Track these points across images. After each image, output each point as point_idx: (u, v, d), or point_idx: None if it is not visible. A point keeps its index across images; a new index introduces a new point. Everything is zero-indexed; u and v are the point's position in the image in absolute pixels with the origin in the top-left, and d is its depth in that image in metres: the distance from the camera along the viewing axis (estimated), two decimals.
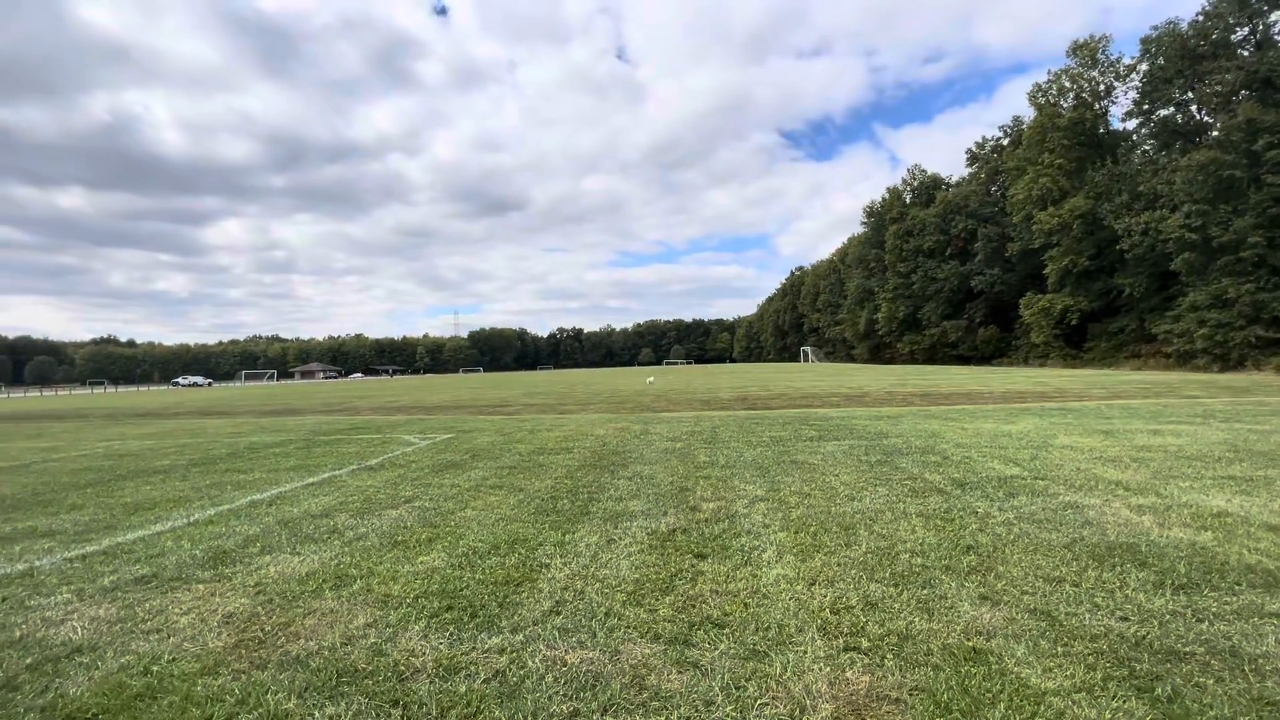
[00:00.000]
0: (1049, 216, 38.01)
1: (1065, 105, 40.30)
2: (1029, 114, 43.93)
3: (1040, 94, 41.54)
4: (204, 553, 4.07)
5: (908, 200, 62.78)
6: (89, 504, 5.77)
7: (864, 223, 69.76)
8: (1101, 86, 39.33)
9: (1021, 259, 44.69)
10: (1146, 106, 35.65)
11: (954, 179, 61.11)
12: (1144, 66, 35.28)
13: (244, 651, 2.65)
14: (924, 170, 63.18)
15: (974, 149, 56.54)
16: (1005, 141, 51.37)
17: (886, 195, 65.31)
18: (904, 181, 64.39)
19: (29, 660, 2.61)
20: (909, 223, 58.52)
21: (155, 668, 2.51)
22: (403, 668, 2.47)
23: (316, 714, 2.15)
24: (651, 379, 11.84)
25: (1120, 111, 50.50)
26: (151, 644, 2.74)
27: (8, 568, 3.89)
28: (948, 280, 53.76)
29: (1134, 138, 38.55)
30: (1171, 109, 35.06)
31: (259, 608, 3.12)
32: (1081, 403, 13.00)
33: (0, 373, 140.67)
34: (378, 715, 2.14)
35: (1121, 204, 34.20)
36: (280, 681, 2.38)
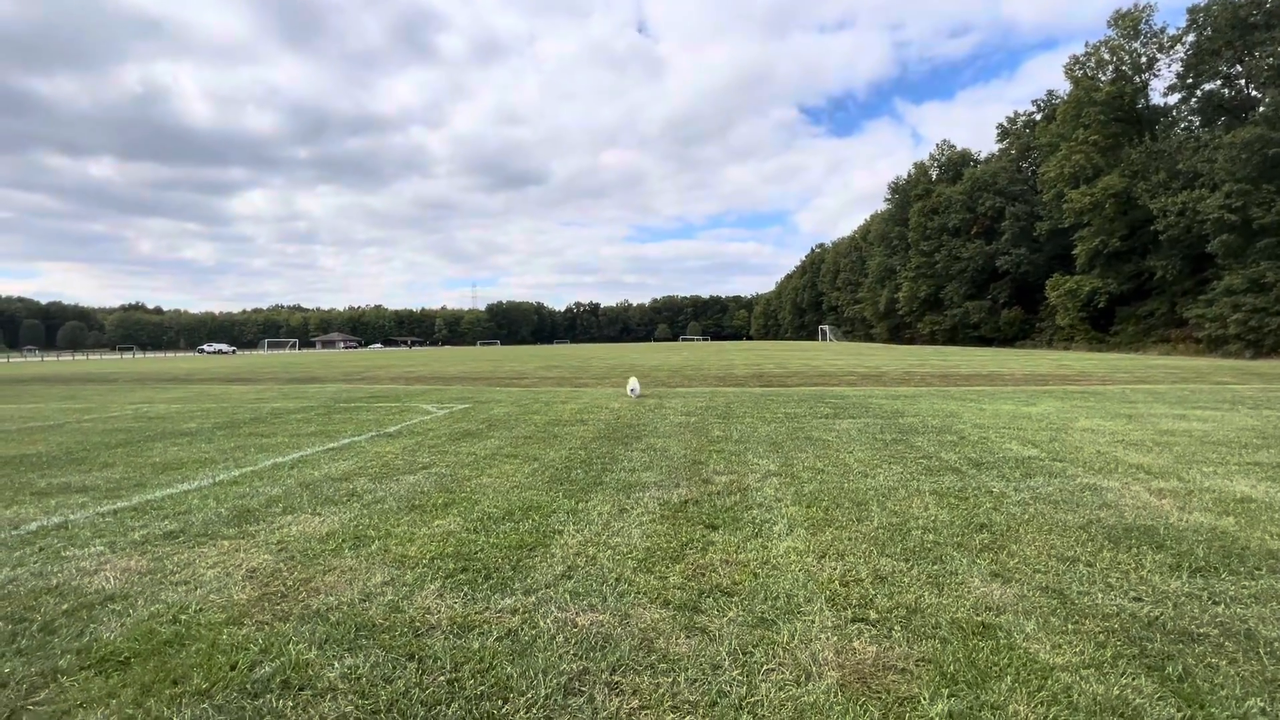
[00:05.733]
0: (1081, 195, 36.84)
1: (1103, 79, 38.67)
2: (1062, 89, 42.40)
3: (1077, 66, 39.90)
4: (229, 511, 4.19)
5: (934, 177, 61.21)
6: (119, 463, 5.96)
7: (887, 199, 68.32)
8: (1143, 59, 37.65)
9: (1050, 239, 43.53)
10: (1190, 80, 34.14)
11: (982, 155, 59.39)
12: (1190, 37, 33.70)
13: (267, 604, 2.74)
14: (952, 145, 61.48)
15: (1005, 124, 54.81)
16: (1038, 117, 49.63)
17: (912, 171, 63.75)
18: (931, 157, 62.76)
19: (65, 606, 2.73)
20: (934, 200, 57.13)
21: (183, 616, 2.62)
22: (418, 624, 2.54)
23: (336, 664, 2.23)
24: (632, 388, 11.48)
25: (1162, 86, 48.55)
26: (180, 594, 2.85)
27: (44, 520, 4.05)
28: (972, 260, 52.62)
29: (1175, 113, 37.05)
30: (1217, 83, 33.54)
31: (281, 564, 3.22)
32: (1105, 386, 12.75)
33: (34, 337, 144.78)
34: (394, 668, 2.21)
35: (1158, 183, 33.01)
36: (301, 633, 2.47)
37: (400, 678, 2.15)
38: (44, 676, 2.17)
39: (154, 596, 2.83)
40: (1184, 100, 35.88)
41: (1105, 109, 37.50)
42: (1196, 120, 35.55)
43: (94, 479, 5.26)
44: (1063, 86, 42.44)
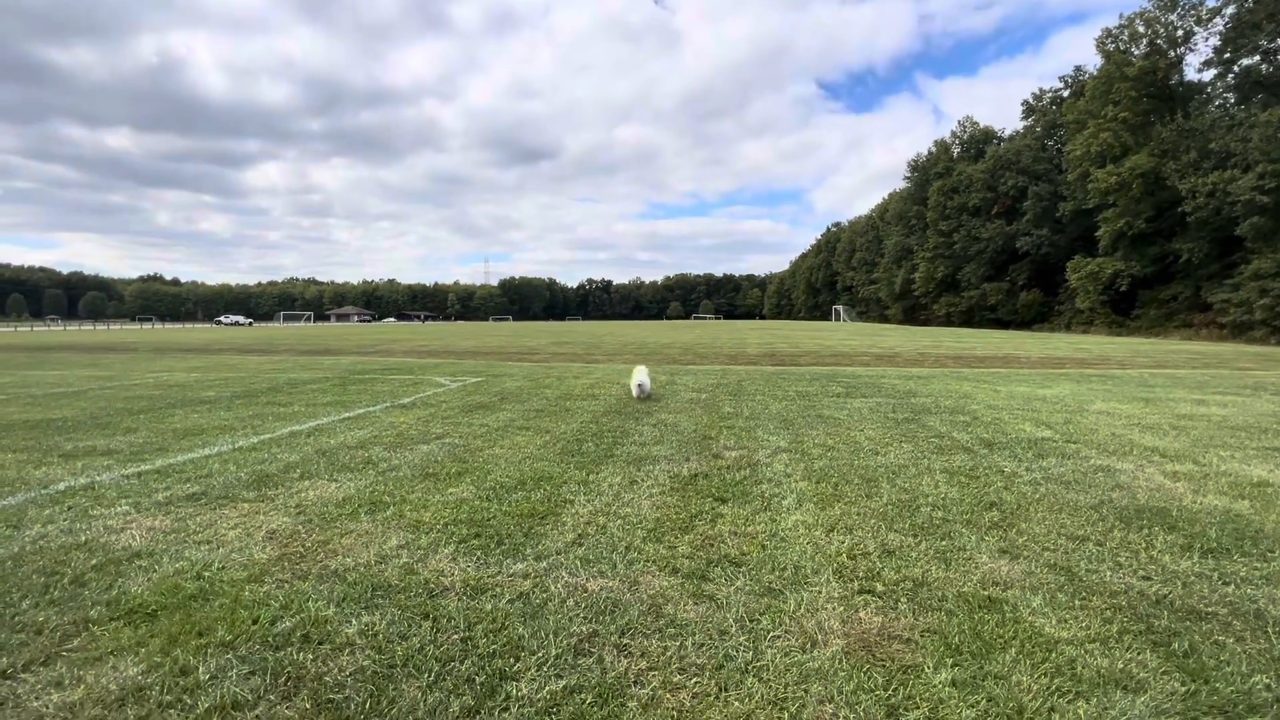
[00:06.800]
0: (1107, 174, 35.85)
1: (1136, 53, 37.30)
2: (1091, 64, 41.02)
3: (1110, 40, 38.50)
4: (248, 475, 4.29)
5: (955, 154, 59.83)
6: (142, 428, 6.10)
7: (907, 177, 66.92)
8: (1180, 32, 36.21)
9: (1073, 220, 42.56)
10: (1228, 55, 32.85)
11: (1006, 132, 57.82)
12: (1230, 9, 32.30)
13: (286, 564, 2.82)
14: (975, 122, 59.89)
15: (1030, 100, 53.16)
16: (1065, 93, 48.12)
17: (933, 149, 62.33)
18: (953, 134, 61.25)
19: (94, 561, 2.83)
20: (955, 178, 55.90)
21: (207, 574, 2.70)
22: (433, 585, 2.60)
23: (353, 621, 2.30)
24: (639, 383, 7.91)
25: (1197, 61, 46.75)
26: (203, 553, 2.94)
27: (71, 481, 4.17)
28: (992, 240, 51.62)
29: (1209, 90, 35.73)
30: (1256, 58, 32.25)
31: (299, 526, 3.30)
32: (1124, 370, 12.57)
33: (57, 307, 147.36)
34: (409, 625, 2.28)
35: (1188, 162, 32.02)
36: (320, 591, 2.54)
37: (415, 635, 2.21)
38: (76, 625, 2.26)
39: (178, 554, 2.92)
40: (1220, 76, 34.58)
41: (1137, 85, 36.24)
42: (1232, 97, 34.30)
43: (118, 443, 5.40)
44: (1092, 62, 41.14)
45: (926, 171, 61.49)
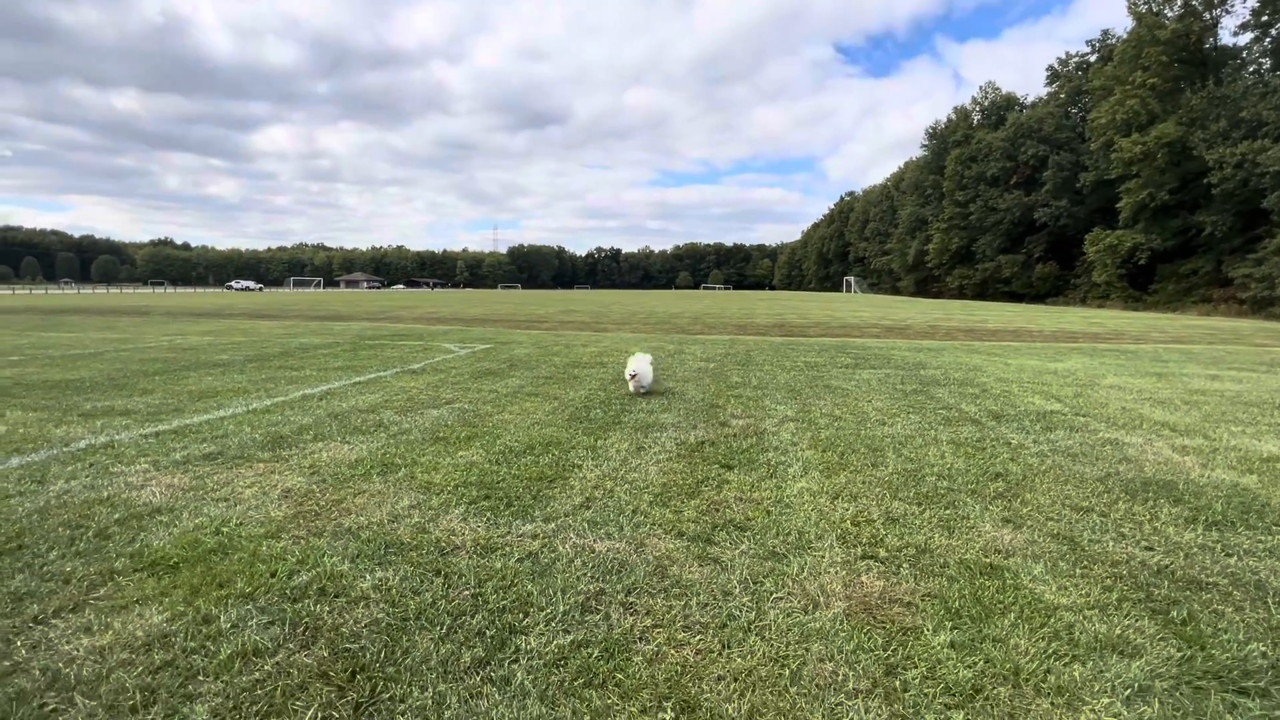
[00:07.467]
0: (1132, 144, 34.83)
1: (1169, 14, 35.82)
2: (1119, 27, 39.51)
3: (1141, 1, 36.95)
4: (263, 436, 4.38)
5: (975, 122, 58.28)
6: (158, 390, 6.20)
7: (924, 145, 65.44)
8: None
9: (1094, 191, 41.58)
10: (1265, 17, 31.49)
11: (1028, 99, 56.10)
12: None
13: (302, 521, 2.90)
14: (997, 88, 58.19)
15: (1055, 66, 51.39)
16: (1092, 58, 46.45)
17: (953, 115, 60.73)
18: (973, 100, 59.64)
19: (116, 516, 2.91)
20: (974, 146, 54.55)
21: (225, 529, 2.78)
22: (444, 544, 2.67)
23: (368, 576, 2.37)
24: (634, 373, 5.93)
25: (1233, 24, 44.77)
26: (221, 510, 3.02)
27: (91, 439, 4.27)
28: (1009, 211, 50.62)
29: (1244, 55, 34.34)
30: None
31: (314, 486, 3.37)
32: (1138, 345, 12.43)
33: (69, 270, 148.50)
34: (422, 581, 2.34)
35: (1217, 131, 31.01)
36: (335, 548, 2.61)
37: (428, 590, 2.28)
38: (102, 575, 2.35)
39: (197, 510, 3.00)
40: (1256, 40, 33.20)
41: (1168, 49, 34.89)
42: (1267, 63, 32.98)
43: (135, 404, 5.50)
44: (1121, 25, 39.77)
45: (945, 139, 60.01)
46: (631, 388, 6.05)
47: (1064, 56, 51.21)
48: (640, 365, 6.04)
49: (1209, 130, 31.50)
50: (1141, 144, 34.28)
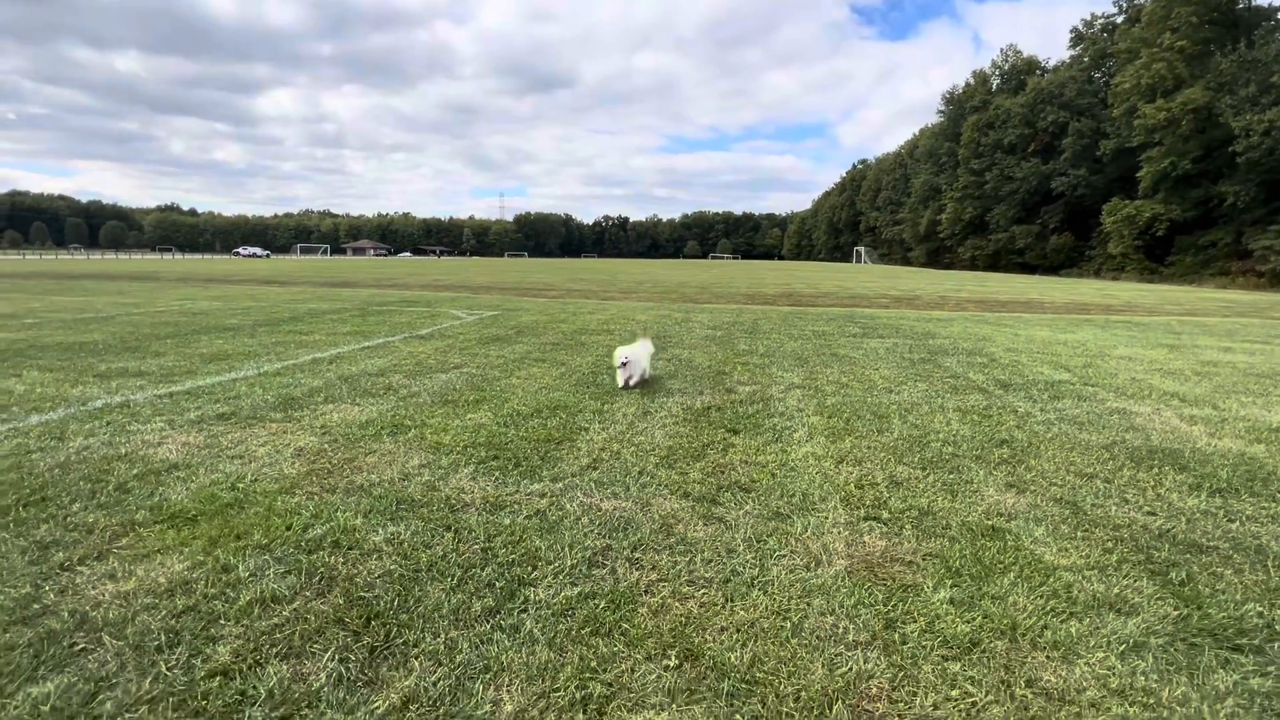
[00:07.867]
0: (1156, 110, 33.76)
1: None
2: None
3: None
4: (274, 398, 4.44)
5: (994, 87, 56.57)
6: (170, 352, 6.27)
7: (940, 111, 63.68)
8: None
9: (1114, 159, 40.49)
10: None
11: (1051, 63, 54.26)
12: None
13: (315, 478, 2.96)
14: (1019, 52, 56.26)
15: (1080, 27, 49.57)
16: (1119, 19, 44.71)
17: (971, 80, 58.95)
18: (993, 64, 57.78)
19: (135, 471, 2.99)
20: (992, 112, 53.07)
21: (241, 485, 2.85)
22: (454, 501, 2.72)
23: (380, 530, 2.43)
24: (625, 360, 4.71)
25: None
26: (236, 467, 3.09)
27: (107, 399, 4.35)
28: (1025, 180, 49.48)
29: (1278, 16, 32.97)
30: None
31: (326, 445, 3.43)
32: (1151, 317, 12.29)
33: (78, 235, 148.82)
34: (432, 536, 2.40)
35: (1245, 97, 29.99)
36: (348, 504, 2.67)
37: (438, 544, 2.33)
38: (124, 526, 2.42)
39: (213, 467, 3.07)
40: None
41: (1199, 9, 33.54)
42: None
43: (149, 365, 5.57)
44: None
45: (962, 105, 58.39)
46: (620, 380, 4.83)
47: (1089, 18, 49.30)
48: (634, 352, 4.86)
49: (1237, 96, 30.47)
50: (1166, 110, 33.23)
